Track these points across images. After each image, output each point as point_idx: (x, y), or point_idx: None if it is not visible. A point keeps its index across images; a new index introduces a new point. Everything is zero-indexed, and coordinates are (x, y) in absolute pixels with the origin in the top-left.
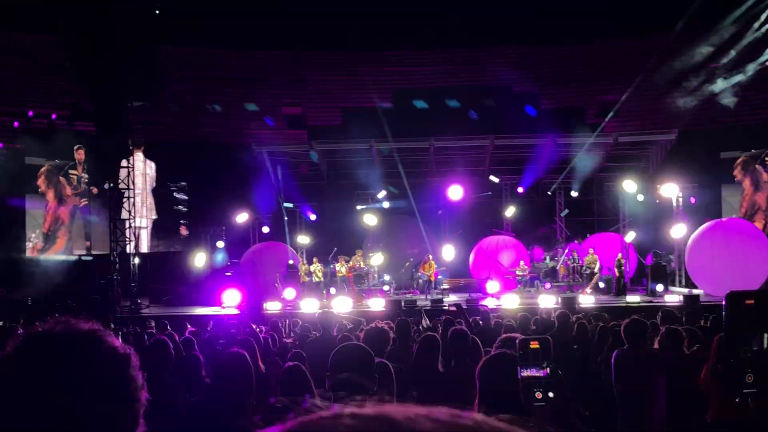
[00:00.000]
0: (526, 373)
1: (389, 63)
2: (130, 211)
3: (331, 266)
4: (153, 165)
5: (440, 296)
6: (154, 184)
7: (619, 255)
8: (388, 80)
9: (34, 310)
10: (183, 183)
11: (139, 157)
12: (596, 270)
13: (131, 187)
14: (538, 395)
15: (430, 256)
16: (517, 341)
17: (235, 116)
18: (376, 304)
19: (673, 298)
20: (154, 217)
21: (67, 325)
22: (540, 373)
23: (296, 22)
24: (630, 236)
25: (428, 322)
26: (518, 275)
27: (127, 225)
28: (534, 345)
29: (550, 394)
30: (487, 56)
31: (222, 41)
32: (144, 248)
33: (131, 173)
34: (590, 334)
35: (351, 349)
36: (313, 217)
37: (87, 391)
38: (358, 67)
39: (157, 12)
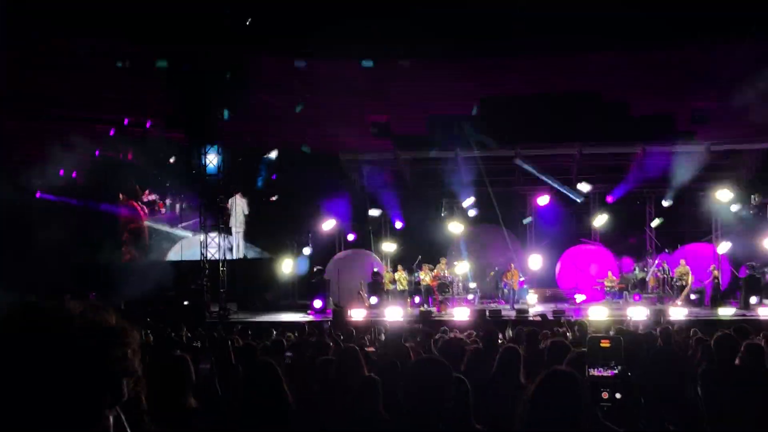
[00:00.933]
0: (594, 372)
1: (476, 70)
2: (218, 219)
3: (416, 275)
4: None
5: (525, 306)
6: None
7: (713, 266)
8: (474, 88)
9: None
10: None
11: None
12: (688, 282)
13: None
14: (605, 395)
15: (513, 265)
16: (587, 338)
17: (320, 124)
18: (461, 314)
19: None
20: (243, 225)
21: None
22: (608, 373)
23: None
24: (723, 247)
25: (512, 332)
26: (607, 286)
27: (217, 232)
28: (605, 343)
29: (617, 395)
30: (576, 63)
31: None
32: (238, 254)
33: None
34: (683, 348)
35: (426, 365)
36: (398, 224)
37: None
38: (445, 75)
39: (248, 22)
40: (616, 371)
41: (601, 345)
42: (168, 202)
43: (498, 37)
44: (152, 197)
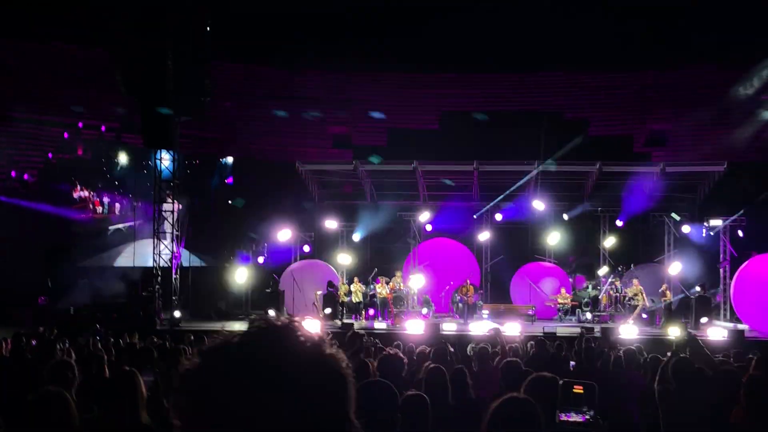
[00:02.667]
0: (565, 417)
1: (437, 85)
2: (173, 224)
3: (371, 287)
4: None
5: (476, 321)
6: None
7: (664, 286)
8: (435, 102)
9: (73, 319)
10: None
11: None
12: (639, 301)
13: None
14: None
15: (468, 280)
16: (560, 383)
17: (279, 134)
18: (414, 328)
19: (717, 333)
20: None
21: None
22: (580, 419)
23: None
24: (675, 268)
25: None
26: (559, 303)
27: (169, 238)
28: (578, 389)
29: None
30: (539, 81)
31: (270, 59)
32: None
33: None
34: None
35: (372, 387)
36: (355, 236)
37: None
38: (406, 89)
39: (209, 28)
40: (587, 417)
41: (574, 391)
42: (106, 200)
43: (460, 53)
44: (84, 194)
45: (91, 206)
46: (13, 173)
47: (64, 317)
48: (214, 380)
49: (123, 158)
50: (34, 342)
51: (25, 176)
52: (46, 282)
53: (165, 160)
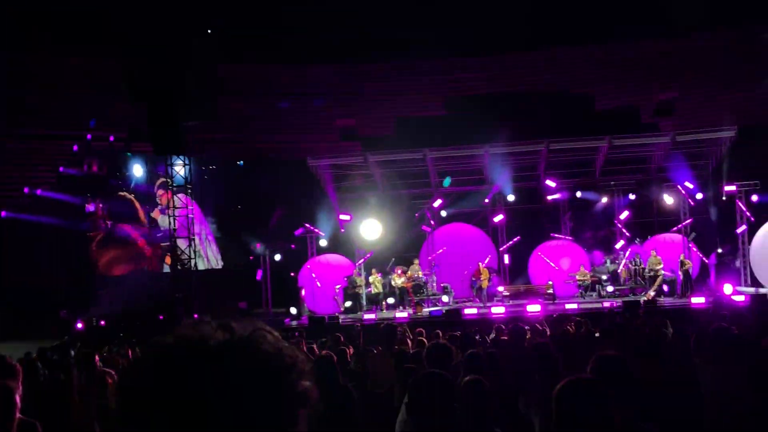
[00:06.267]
0: None
1: (441, 71)
2: (189, 230)
3: (390, 277)
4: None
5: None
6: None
7: (682, 256)
8: (439, 88)
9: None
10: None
11: None
12: (659, 272)
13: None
14: None
15: (481, 264)
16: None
17: (288, 131)
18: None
19: (739, 297)
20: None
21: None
22: None
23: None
24: (692, 236)
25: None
26: (579, 280)
27: (188, 243)
28: None
29: None
30: (541, 60)
31: (275, 56)
32: (212, 264)
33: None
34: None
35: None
36: (370, 227)
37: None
38: (410, 76)
39: (210, 31)
40: None
41: None
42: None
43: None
44: (92, 207)
45: (101, 221)
46: (26, 189)
47: (87, 328)
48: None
49: (138, 169)
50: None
51: (38, 191)
52: (66, 293)
53: (178, 166)
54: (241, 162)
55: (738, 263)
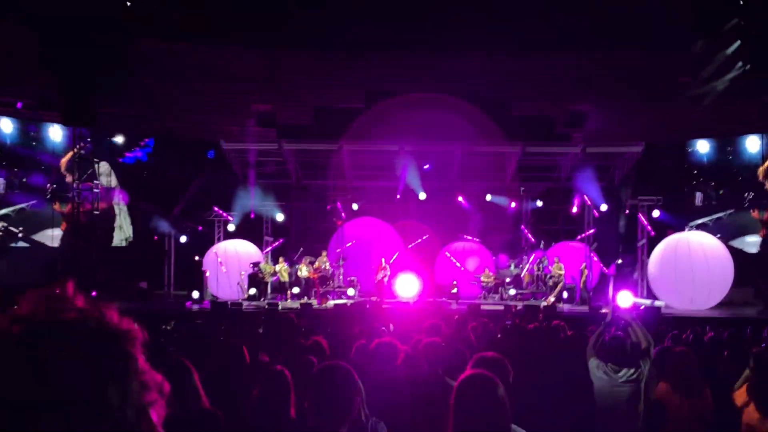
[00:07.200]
0: None
1: (363, 65)
2: (93, 204)
3: (296, 267)
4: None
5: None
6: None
7: (583, 264)
8: (360, 82)
9: None
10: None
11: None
12: (561, 279)
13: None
14: None
15: (384, 260)
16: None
17: (202, 112)
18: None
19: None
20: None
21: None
22: None
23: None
24: (594, 246)
25: None
26: (483, 282)
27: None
28: None
29: None
30: (462, 63)
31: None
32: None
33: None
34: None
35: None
36: (280, 216)
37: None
38: (332, 68)
39: (129, 3)
40: None
41: None
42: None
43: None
44: None
45: None
46: None
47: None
48: None
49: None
50: None
51: None
52: None
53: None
54: (152, 140)
55: (636, 275)
